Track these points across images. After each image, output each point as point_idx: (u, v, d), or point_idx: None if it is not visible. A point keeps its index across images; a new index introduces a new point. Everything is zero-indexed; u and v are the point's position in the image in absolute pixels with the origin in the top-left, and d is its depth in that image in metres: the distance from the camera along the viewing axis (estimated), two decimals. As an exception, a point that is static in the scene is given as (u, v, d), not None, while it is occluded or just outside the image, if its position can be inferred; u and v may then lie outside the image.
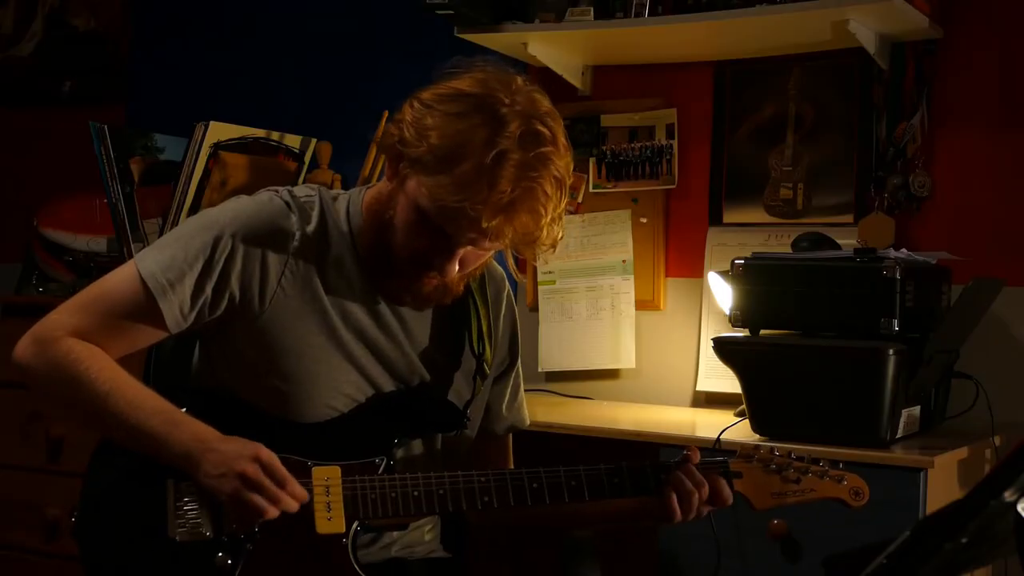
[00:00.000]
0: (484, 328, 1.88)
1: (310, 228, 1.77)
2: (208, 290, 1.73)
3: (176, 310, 1.72)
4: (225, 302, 1.74)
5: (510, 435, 2.03)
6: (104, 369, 1.69)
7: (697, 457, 1.79)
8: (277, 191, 1.80)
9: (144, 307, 1.71)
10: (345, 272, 1.79)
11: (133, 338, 1.75)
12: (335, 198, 1.84)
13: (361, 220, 1.80)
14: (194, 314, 1.74)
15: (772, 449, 1.81)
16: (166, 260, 1.72)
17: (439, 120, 1.65)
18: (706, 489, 1.76)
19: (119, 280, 1.74)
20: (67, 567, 2.77)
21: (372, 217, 1.79)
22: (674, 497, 1.75)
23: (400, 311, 1.83)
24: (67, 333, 1.72)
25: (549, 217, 1.67)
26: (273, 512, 1.64)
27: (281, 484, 1.64)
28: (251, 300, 1.74)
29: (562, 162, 1.67)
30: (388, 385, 1.83)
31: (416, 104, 1.69)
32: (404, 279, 1.77)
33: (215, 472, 1.64)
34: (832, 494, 1.80)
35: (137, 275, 1.72)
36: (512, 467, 2.01)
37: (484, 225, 1.63)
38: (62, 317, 1.74)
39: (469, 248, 1.71)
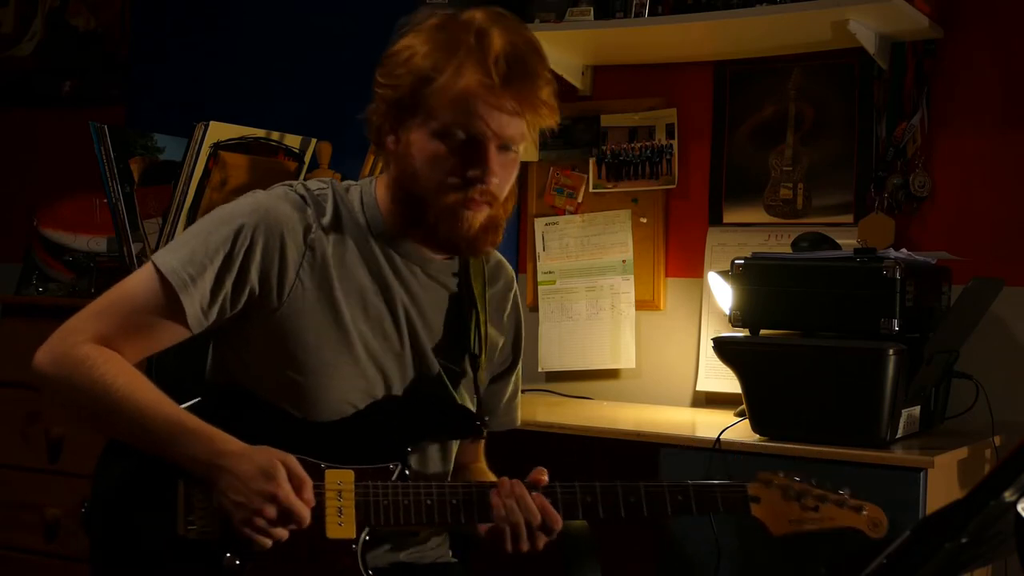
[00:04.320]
0: (482, 332, 1.88)
1: (325, 220, 1.78)
2: (228, 284, 1.72)
3: (197, 306, 1.70)
4: (245, 296, 1.73)
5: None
6: (120, 374, 1.68)
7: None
8: (291, 185, 1.81)
9: (165, 305, 1.70)
10: (363, 263, 1.79)
11: (154, 339, 1.73)
12: (347, 189, 1.84)
13: (377, 209, 1.81)
14: (215, 310, 1.72)
15: (792, 475, 1.81)
16: (186, 255, 1.71)
17: (407, 55, 1.74)
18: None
19: (138, 282, 1.73)
20: (67, 567, 2.78)
21: (394, 190, 1.79)
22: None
23: (419, 304, 1.83)
24: (86, 339, 1.70)
25: (544, 69, 1.75)
26: (270, 544, 1.65)
27: (296, 523, 1.65)
28: (270, 293, 1.74)
29: (517, 23, 1.78)
30: (404, 380, 1.82)
31: (378, 75, 1.78)
32: (451, 222, 1.75)
33: (233, 497, 1.63)
34: (850, 523, 1.80)
35: (156, 273, 1.70)
36: (484, 465, 2.00)
37: (493, 96, 1.69)
38: (80, 323, 1.72)
39: (497, 155, 1.73)
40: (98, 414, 1.70)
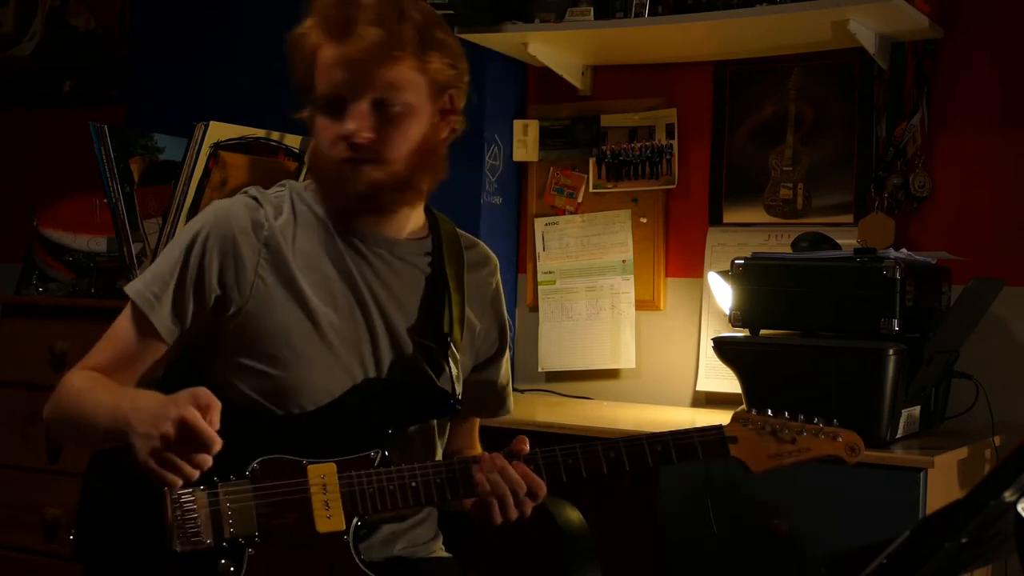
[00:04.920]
0: (455, 313, 1.88)
1: (281, 219, 1.82)
2: (190, 292, 1.78)
3: (167, 320, 1.77)
4: (212, 301, 1.78)
5: (477, 419, 2.05)
6: (85, 380, 1.75)
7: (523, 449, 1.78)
8: (247, 191, 1.86)
9: (139, 326, 1.78)
10: (326, 253, 1.82)
11: (139, 360, 1.80)
12: (305, 187, 1.88)
13: None
14: (187, 319, 1.78)
15: (766, 411, 1.82)
16: (150, 277, 1.79)
17: (291, 43, 1.87)
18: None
19: (120, 316, 1.82)
20: (67, 567, 2.77)
21: (311, 175, 1.87)
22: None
23: (391, 287, 1.84)
24: (75, 371, 1.79)
25: (382, 12, 1.74)
26: (180, 483, 1.59)
27: (204, 447, 1.56)
28: (232, 293, 1.78)
29: None
30: (380, 364, 1.83)
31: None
32: (339, 181, 1.78)
33: (140, 429, 1.57)
34: (828, 451, 1.80)
35: (129, 300, 1.79)
36: (480, 450, 2.02)
37: (334, 49, 1.75)
38: (77, 364, 1.82)
39: (371, 111, 1.75)
40: (72, 424, 1.77)
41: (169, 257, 1.79)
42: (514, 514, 1.73)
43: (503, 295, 2.01)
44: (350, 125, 1.74)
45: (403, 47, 1.75)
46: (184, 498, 1.67)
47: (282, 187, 1.88)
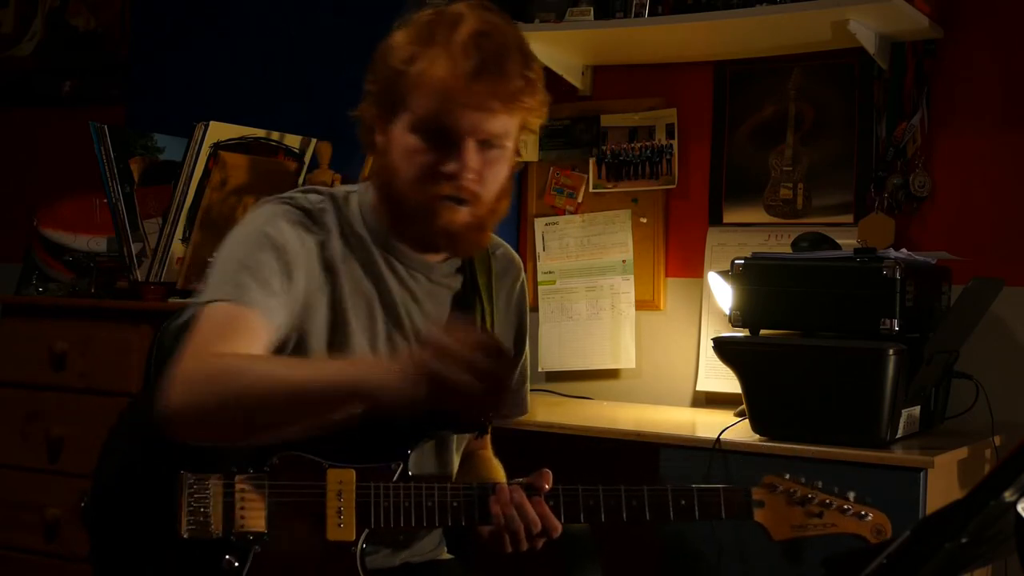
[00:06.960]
0: (488, 325, 1.87)
1: (332, 238, 1.77)
2: (278, 280, 1.70)
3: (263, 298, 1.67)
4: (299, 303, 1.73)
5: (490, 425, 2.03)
6: (256, 361, 1.62)
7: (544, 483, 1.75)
8: (292, 199, 1.78)
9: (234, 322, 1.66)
10: (368, 275, 1.79)
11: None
12: (346, 198, 1.82)
13: (375, 218, 1.80)
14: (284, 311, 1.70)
15: (797, 480, 1.79)
16: (221, 280, 1.67)
17: (388, 51, 1.75)
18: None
19: (203, 318, 1.66)
20: (67, 567, 2.78)
21: (377, 188, 1.79)
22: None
23: (425, 309, 1.82)
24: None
25: (522, 62, 1.70)
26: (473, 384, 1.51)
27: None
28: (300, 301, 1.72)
29: (500, 18, 1.74)
30: None
31: (367, 74, 1.79)
32: (427, 218, 1.72)
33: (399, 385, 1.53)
34: (853, 530, 1.78)
35: (224, 305, 1.65)
36: (491, 452, 2.00)
37: (465, 88, 1.66)
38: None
39: (477, 151, 1.70)
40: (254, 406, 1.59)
41: (240, 258, 1.68)
42: (525, 548, 1.72)
43: (527, 296, 1.99)
44: (462, 165, 1.69)
45: (532, 95, 1.72)
46: (198, 485, 1.65)
47: (323, 197, 1.81)
